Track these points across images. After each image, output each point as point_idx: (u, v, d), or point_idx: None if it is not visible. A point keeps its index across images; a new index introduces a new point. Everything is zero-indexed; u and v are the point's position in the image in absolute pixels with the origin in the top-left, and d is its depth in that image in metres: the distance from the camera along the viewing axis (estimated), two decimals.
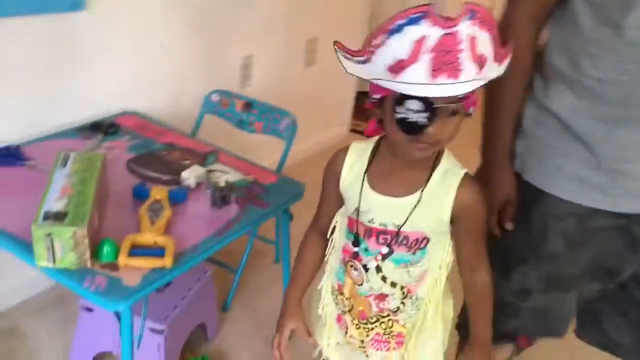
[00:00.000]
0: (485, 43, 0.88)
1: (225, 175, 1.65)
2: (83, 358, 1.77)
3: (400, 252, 1.09)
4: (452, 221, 1.06)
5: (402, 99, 0.92)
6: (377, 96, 0.98)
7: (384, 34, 0.87)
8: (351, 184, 1.10)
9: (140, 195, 1.57)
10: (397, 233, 1.07)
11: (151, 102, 2.19)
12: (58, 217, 1.27)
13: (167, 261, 1.35)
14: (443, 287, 1.15)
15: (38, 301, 2.05)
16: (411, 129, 0.94)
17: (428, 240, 1.08)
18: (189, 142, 1.96)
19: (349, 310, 1.19)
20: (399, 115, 0.94)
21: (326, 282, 1.25)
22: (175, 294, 1.78)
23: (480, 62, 0.88)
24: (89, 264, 1.31)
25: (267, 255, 2.43)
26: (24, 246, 1.33)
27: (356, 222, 1.11)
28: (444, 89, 0.87)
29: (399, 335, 1.18)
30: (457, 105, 0.93)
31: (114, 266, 1.33)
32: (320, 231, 1.22)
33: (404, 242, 1.08)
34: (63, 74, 1.88)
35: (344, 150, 1.13)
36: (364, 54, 0.91)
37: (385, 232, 1.08)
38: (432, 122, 0.92)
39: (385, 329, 1.17)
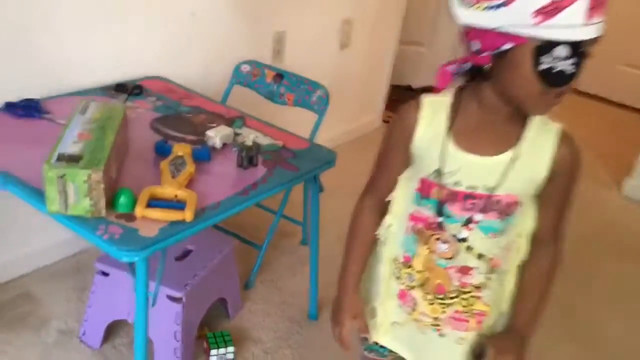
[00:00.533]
0: None
1: (253, 135, 1.54)
2: (97, 324, 1.68)
3: (489, 218, 0.96)
4: (548, 181, 0.94)
5: (547, 46, 0.81)
6: (508, 46, 0.83)
7: None
8: (429, 143, 0.96)
9: (162, 151, 1.48)
10: (490, 197, 0.94)
11: (180, 71, 2.10)
12: (72, 159, 1.18)
13: (187, 214, 1.25)
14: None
15: (55, 268, 1.98)
16: (558, 79, 0.83)
17: (519, 205, 0.96)
18: (215, 106, 1.87)
19: (421, 285, 1.05)
20: (544, 66, 0.82)
21: (385, 254, 1.09)
22: (196, 263, 1.69)
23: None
24: (103, 212, 1.21)
25: (294, 236, 2.33)
26: (36, 193, 1.25)
27: (437, 185, 0.97)
28: (597, 28, 0.80)
29: (480, 314, 1.05)
30: (593, 48, 0.82)
31: (130, 217, 1.23)
32: (379, 200, 1.06)
33: (496, 207, 0.95)
34: (93, 30, 1.81)
35: (415, 105, 0.98)
36: None
37: (473, 196, 0.95)
38: (579, 68, 0.82)
39: (466, 305, 1.03)
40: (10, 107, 1.58)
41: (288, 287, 2.07)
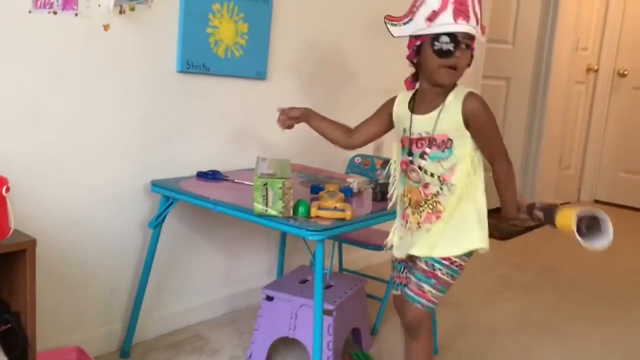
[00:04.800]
0: (478, 8, 1.47)
1: (384, 175, 2.05)
2: (262, 345, 2.06)
3: (434, 151, 1.54)
4: (467, 126, 1.50)
5: (436, 37, 1.46)
6: (418, 43, 1.51)
7: None
8: (401, 115, 1.62)
9: (316, 190, 1.99)
10: (430, 138, 1.54)
11: (307, 163, 2.68)
12: (270, 175, 1.71)
13: (347, 214, 1.73)
14: (474, 179, 1.55)
15: (215, 321, 2.41)
16: (444, 53, 1.47)
17: (452, 141, 1.52)
18: (343, 176, 2.40)
19: (409, 204, 1.63)
20: (436, 47, 1.47)
21: (396, 191, 1.70)
22: (337, 291, 2.10)
23: (476, 18, 1.46)
24: (291, 212, 1.71)
25: None
26: (238, 209, 1.78)
27: (408, 139, 1.59)
28: (460, 27, 1.45)
29: (438, 211, 1.58)
30: (468, 41, 1.48)
31: (308, 218, 1.72)
32: (349, 129, 1.79)
33: (435, 143, 1.54)
34: (250, 124, 2.45)
35: (391, 99, 1.69)
36: (408, 15, 1.51)
37: (422, 139, 1.56)
38: (456, 49, 1.46)
39: (431, 208, 1.58)
40: (201, 174, 2.16)
41: None
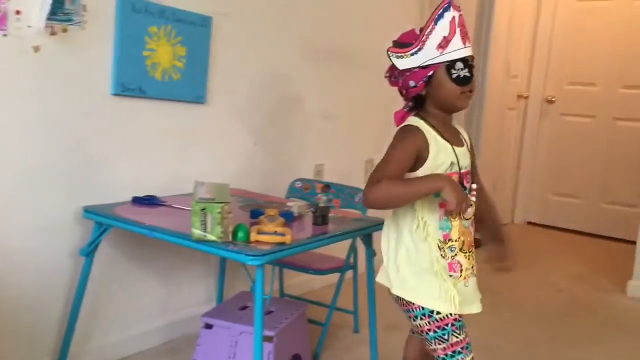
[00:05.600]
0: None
1: (325, 199, 2.05)
2: None
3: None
4: None
5: (451, 64, 1.41)
6: (429, 73, 1.43)
7: (432, 22, 1.42)
8: (440, 146, 1.45)
9: (256, 215, 1.96)
10: (468, 171, 1.52)
11: (247, 188, 2.66)
12: (209, 200, 1.68)
13: (287, 238, 1.71)
14: None
15: (152, 351, 2.33)
16: (464, 81, 1.43)
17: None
18: (283, 200, 2.39)
19: (460, 249, 1.48)
20: (454, 75, 1.42)
21: (430, 246, 1.46)
22: (278, 317, 2.07)
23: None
24: (230, 237, 1.68)
25: (346, 327, 2.69)
26: (175, 235, 1.74)
27: (458, 173, 1.46)
28: (469, 50, 1.45)
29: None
30: (474, 63, 1.46)
31: (247, 243, 1.69)
32: (395, 178, 1.41)
33: (471, 177, 1.53)
34: (190, 154, 2.41)
35: (414, 128, 1.45)
36: (417, 45, 1.43)
37: (468, 173, 1.52)
38: (471, 72, 1.44)
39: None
40: (136, 199, 2.10)
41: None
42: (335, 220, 2.08)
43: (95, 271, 2.05)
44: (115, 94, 2.09)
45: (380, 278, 1.56)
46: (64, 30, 1.90)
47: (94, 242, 1.96)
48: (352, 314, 2.67)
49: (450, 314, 1.46)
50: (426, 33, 1.41)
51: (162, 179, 2.31)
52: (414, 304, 1.48)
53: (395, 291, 1.50)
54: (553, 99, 5.15)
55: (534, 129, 5.30)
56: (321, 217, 2.00)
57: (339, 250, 2.55)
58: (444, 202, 1.37)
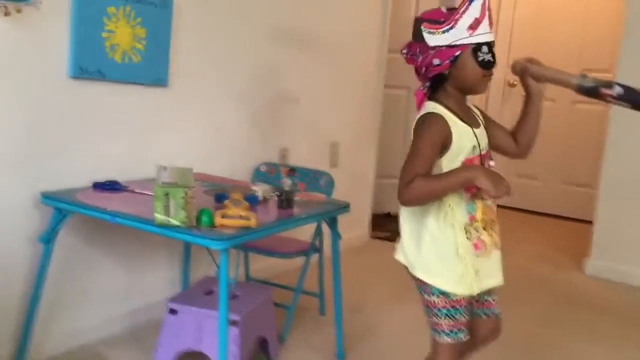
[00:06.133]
0: None
1: (290, 183, 2.04)
2: (168, 357, 1.99)
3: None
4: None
5: (478, 47, 1.41)
6: (457, 53, 1.42)
7: (467, 2, 1.42)
8: (461, 131, 1.46)
9: (220, 199, 1.95)
10: (488, 151, 1.55)
11: (211, 172, 2.63)
12: (171, 185, 1.66)
13: (252, 222, 1.71)
14: None
15: (116, 338, 2.30)
16: (488, 65, 1.44)
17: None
18: (249, 184, 2.38)
19: (484, 228, 1.50)
20: (480, 58, 1.42)
21: (456, 232, 1.47)
22: (244, 301, 2.07)
23: None
24: (194, 222, 1.66)
25: (313, 310, 2.70)
26: (138, 220, 1.71)
27: (479, 156, 1.48)
28: (493, 35, 1.45)
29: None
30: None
31: (212, 227, 1.68)
32: (426, 175, 1.40)
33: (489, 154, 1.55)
34: (152, 139, 2.37)
35: (438, 116, 1.44)
36: (450, 23, 1.41)
37: (487, 152, 1.53)
38: (494, 58, 1.45)
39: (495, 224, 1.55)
40: (97, 185, 2.06)
41: (313, 341, 2.41)
42: (300, 203, 2.08)
43: (56, 258, 2.00)
44: (74, 77, 2.04)
45: (398, 256, 1.57)
46: (18, 11, 1.84)
47: (53, 229, 1.92)
48: (317, 296, 2.69)
49: (464, 297, 1.51)
50: (460, 12, 1.41)
51: (124, 164, 2.27)
52: (433, 285, 1.51)
53: (418, 274, 1.52)
54: (515, 83, 5.22)
55: (496, 111, 5.37)
56: (286, 201, 1.99)
57: (304, 233, 2.56)
58: (481, 191, 1.39)
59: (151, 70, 2.30)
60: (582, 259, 3.68)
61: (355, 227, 3.81)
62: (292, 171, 2.65)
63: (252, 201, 1.97)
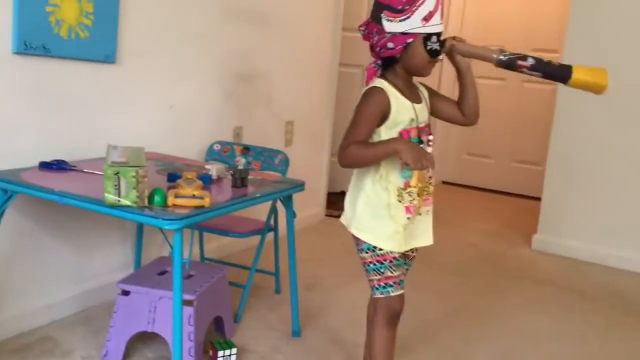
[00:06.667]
0: None
1: (244, 161, 2.03)
2: (120, 339, 1.97)
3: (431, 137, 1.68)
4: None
5: (428, 37, 1.55)
6: (409, 40, 1.55)
7: None
8: (401, 104, 1.61)
9: (173, 178, 1.92)
10: (426, 124, 1.67)
11: (164, 151, 2.59)
12: (122, 164, 1.62)
13: (206, 201, 1.69)
14: None
15: (66, 320, 2.26)
16: (435, 53, 1.59)
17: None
18: (201, 163, 2.35)
19: (418, 194, 1.64)
20: (429, 47, 1.56)
21: (390, 194, 1.62)
22: (199, 281, 2.06)
23: None
24: (146, 202, 1.63)
25: (269, 288, 2.71)
26: (87, 201, 1.68)
27: (416, 128, 1.62)
28: (442, 27, 1.60)
29: (430, 194, 1.70)
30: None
31: (165, 207, 1.66)
32: (361, 142, 1.57)
33: (429, 129, 1.68)
34: (99, 111, 2.31)
35: (379, 89, 1.59)
36: (407, 13, 1.54)
37: (426, 126, 1.67)
38: (442, 48, 1.60)
39: (428, 192, 1.69)
40: (44, 164, 2.00)
41: (269, 320, 2.43)
42: (254, 182, 2.07)
43: (2, 240, 1.95)
44: (17, 53, 1.96)
45: (342, 219, 1.76)
46: None
47: None
48: (273, 275, 2.70)
49: (391, 252, 1.64)
50: (418, 4, 1.53)
51: (73, 143, 2.21)
52: (364, 241, 1.66)
53: (352, 231, 1.69)
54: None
55: (449, 91, 5.44)
56: (240, 180, 1.98)
57: (259, 212, 2.56)
58: (402, 162, 1.52)
59: (99, 46, 2.23)
60: (531, 235, 3.80)
61: (310, 205, 3.82)
62: (246, 150, 2.61)
63: (206, 180, 1.95)
